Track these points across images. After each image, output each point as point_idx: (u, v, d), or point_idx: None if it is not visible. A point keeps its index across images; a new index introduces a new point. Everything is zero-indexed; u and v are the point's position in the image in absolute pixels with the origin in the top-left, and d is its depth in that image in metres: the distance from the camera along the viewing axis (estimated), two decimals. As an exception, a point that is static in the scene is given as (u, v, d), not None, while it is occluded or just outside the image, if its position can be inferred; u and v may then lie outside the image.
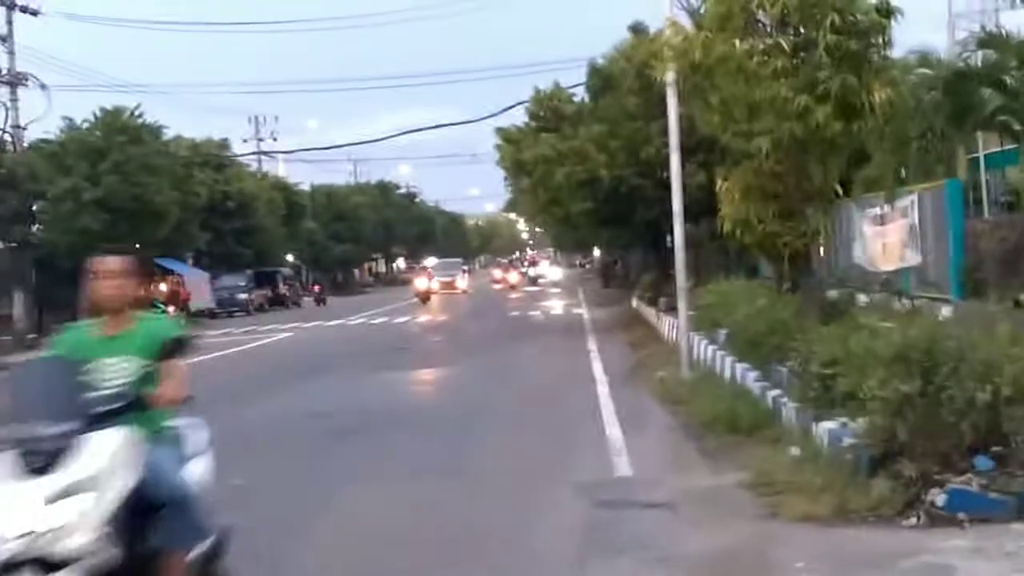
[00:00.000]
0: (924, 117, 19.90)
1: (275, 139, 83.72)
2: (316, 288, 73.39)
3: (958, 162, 20.66)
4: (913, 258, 19.57)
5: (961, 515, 7.93)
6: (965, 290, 17.32)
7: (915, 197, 19.52)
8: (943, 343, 8.93)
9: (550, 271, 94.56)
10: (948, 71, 20.56)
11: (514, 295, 64.47)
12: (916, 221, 19.41)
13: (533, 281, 78.30)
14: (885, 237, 21.04)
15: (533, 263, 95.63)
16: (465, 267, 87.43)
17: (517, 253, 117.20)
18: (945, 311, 16.57)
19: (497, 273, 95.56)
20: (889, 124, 15.48)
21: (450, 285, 69.42)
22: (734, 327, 16.14)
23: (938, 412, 8.46)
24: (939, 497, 8.04)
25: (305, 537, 9.22)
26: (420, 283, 64.00)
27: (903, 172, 21.10)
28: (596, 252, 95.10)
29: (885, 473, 8.49)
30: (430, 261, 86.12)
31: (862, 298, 18.64)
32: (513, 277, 79.85)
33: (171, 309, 49.18)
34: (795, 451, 10.24)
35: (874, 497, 8.32)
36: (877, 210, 21.39)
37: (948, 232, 18.05)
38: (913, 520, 8.03)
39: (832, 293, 18.39)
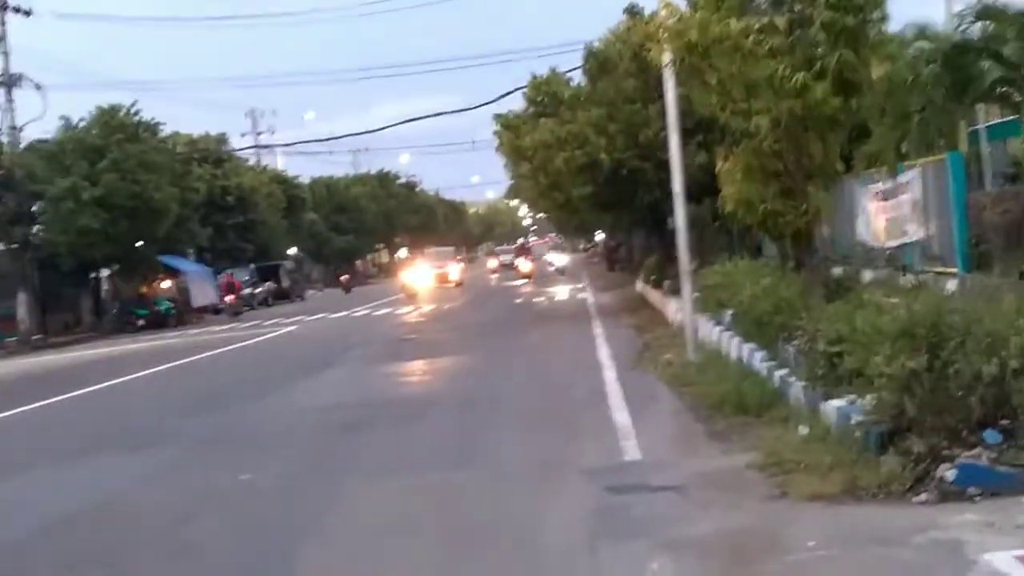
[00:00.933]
0: (923, 91, 19.81)
1: (273, 132, 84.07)
2: (344, 277, 73.79)
3: (959, 135, 20.58)
4: (917, 233, 19.52)
5: (971, 489, 7.90)
6: (970, 263, 17.28)
7: (917, 171, 19.47)
8: (949, 317, 8.89)
9: (556, 258, 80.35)
10: (946, 44, 20.44)
11: (518, 283, 58.86)
12: (919, 195, 19.36)
13: (527, 277, 62.24)
14: (888, 212, 20.99)
15: (524, 251, 76.69)
16: (459, 256, 79.39)
17: (521, 239, 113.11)
18: (950, 285, 16.54)
19: (493, 262, 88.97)
20: (888, 99, 15.46)
21: (442, 277, 63.83)
22: (739, 307, 16.10)
23: (946, 387, 8.43)
24: (949, 472, 8.01)
25: (317, 529, 9.20)
26: (407, 276, 58.76)
27: (904, 147, 21.02)
28: (599, 236, 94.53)
29: (894, 449, 8.47)
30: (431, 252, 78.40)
31: (867, 274, 18.62)
32: (525, 266, 65.93)
33: (230, 299, 50.70)
34: (803, 430, 10.21)
35: (884, 474, 8.30)
36: (879, 185, 21.35)
37: (951, 205, 18.00)
38: (923, 496, 8.00)
39: (837, 270, 18.37)
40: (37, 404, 20.83)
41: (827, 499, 8.28)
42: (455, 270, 67.41)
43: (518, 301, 43.45)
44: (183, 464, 13.26)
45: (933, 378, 8.46)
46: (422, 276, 59.00)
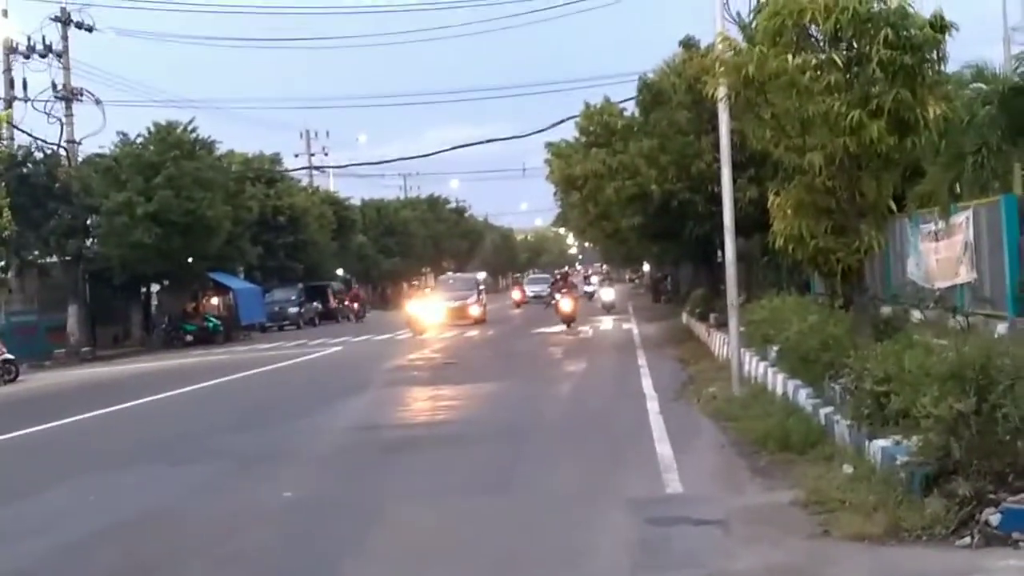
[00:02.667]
0: (979, 132, 19.71)
1: (326, 154, 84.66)
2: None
3: (1014, 177, 20.44)
4: (968, 274, 19.39)
5: (1016, 535, 7.83)
6: (1020, 307, 17.15)
7: (970, 213, 19.35)
8: (998, 361, 8.84)
9: (604, 291, 59.61)
10: (1004, 85, 20.37)
11: (552, 330, 41.27)
12: (971, 237, 19.24)
13: (567, 320, 41.60)
14: (939, 253, 20.87)
15: (566, 283, 46.61)
16: (481, 286, 60.89)
17: (567, 268, 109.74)
18: (1000, 328, 16.41)
19: (516, 294, 75.76)
20: (943, 139, 15.37)
21: (459, 312, 51.57)
22: (786, 343, 16.04)
23: (993, 430, 8.38)
24: (993, 516, 7.95)
25: (355, 552, 9.25)
26: (413, 308, 47.32)
27: (958, 187, 20.91)
28: (645, 267, 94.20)
29: (939, 492, 8.41)
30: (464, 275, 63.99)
31: (916, 315, 18.49)
32: (566, 304, 42.17)
33: (355, 306, 53.07)
34: (848, 469, 10.17)
35: (928, 516, 8.25)
36: (931, 226, 21.23)
37: (1004, 248, 17.89)
38: (967, 539, 7.94)
39: (886, 310, 18.24)
40: (84, 416, 21.03)
41: (870, 539, 8.24)
42: (476, 305, 53.43)
43: (560, 328, 43.25)
44: (227, 479, 13.35)
45: (981, 421, 8.41)
46: (434, 310, 48.54)
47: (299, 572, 8.86)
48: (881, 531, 8.31)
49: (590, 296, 62.64)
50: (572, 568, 8.38)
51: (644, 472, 11.94)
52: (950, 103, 14.19)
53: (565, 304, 42.04)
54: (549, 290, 57.45)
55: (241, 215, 52.83)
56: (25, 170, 44.28)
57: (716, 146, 20.44)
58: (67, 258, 45.65)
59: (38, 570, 9.43)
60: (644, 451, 13.24)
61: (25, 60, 45.03)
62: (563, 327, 40.96)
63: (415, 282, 65.11)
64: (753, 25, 15.04)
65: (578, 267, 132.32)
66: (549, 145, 38.63)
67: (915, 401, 9.11)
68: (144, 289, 52.35)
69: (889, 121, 13.14)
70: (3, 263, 44.46)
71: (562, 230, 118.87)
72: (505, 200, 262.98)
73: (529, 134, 45.04)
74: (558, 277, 51.55)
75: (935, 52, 13.53)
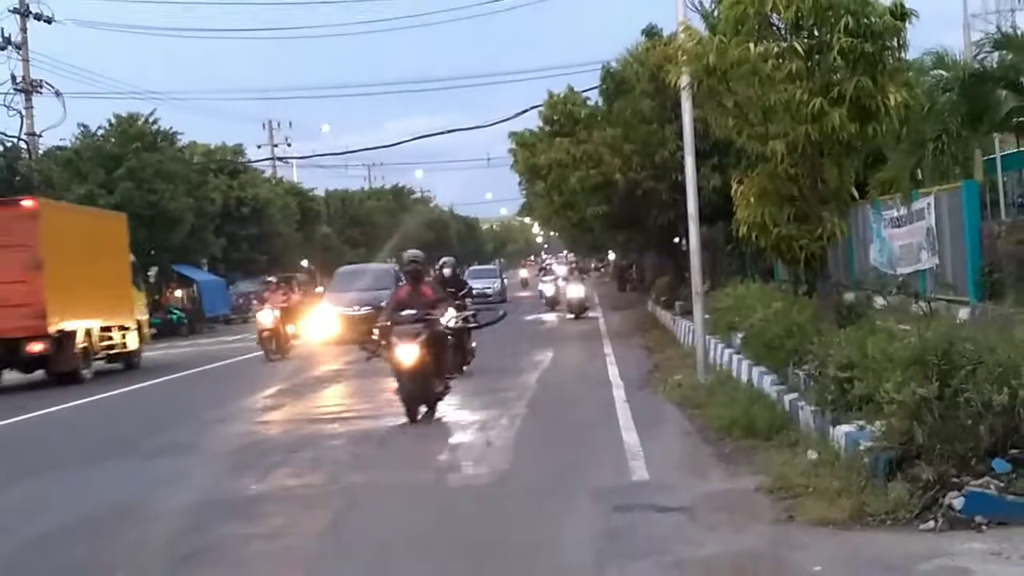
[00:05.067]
0: (940, 119, 19.87)
1: (289, 145, 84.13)
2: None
3: (974, 163, 20.63)
4: (930, 260, 19.54)
5: (979, 518, 7.90)
6: (982, 292, 17.30)
7: (931, 199, 19.50)
8: (960, 346, 8.91)
9: (571, 288, 43.47)
10: (964, 72, 20.53)
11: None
12: (933, 223, 19.39)
13: (408, 395, 15.78)
14: (902, 239, 21.01)
15: (413, 289, 16.97)
16: (402, 282, 22.14)
17: (533, 257, 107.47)
18: (962, 313, 16.55)
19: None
20: (905, 126, 15.47)
21: (368, 324, 21.40)
22: (750, 331, 16.12)
23: (955, 415, 8.44)
24: (957, 500, 8.02)
25: (325, 543, 9.23)
26: (266, 319, 30.01)
27: (919, 174, 21.07)
28: (611, 255, 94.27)
29: (902, 476, 8.47)
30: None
31: (879, 301, 18.62)
32: (408, 352, 15.69)
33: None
34: (812, 455, 10.23)
35: (891, 500, 8.31)
36: (893, 212, 21.37)
37: (965, 234, 18.04)
38: (931, 523, 8.00)
39: (849, 296, 18.36)
40: (48, 409, 20.86)
41: (834, 524, 8.29)
42: None
43: (528, 318, 43.19)
44: (193, 473, 13.21)
45: (943, 406, 8.48)
46: (323, 320, 35.19)
47: (268, 565, 8.83)
48: (845, 516, 8.36)
49: (545, 298, 49.01)
50: (538, 557, 8.38)
51: (610, 460, 11.95)
52: (911, 90, 14.30)
53: (405, 352, 15.84)
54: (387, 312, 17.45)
55: (204, 207, 52.58)
56: (-15, 163, 43.86)
57: (679, 134, 20.50)
58: (29, 251, 45.22)
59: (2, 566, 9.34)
60: (611, 439, 13.26)
61: (-16, 53, 44.55)
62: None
63: (271, 277, 39.55)
64: (715, 14, 15.10)
65: (545, 255, 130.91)
66: (513, 135, 38.53)
67: (878, 387, 9.17)
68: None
69: (850, 108, 13.23)
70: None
71: (527, 219, 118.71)
72: (470, 190, 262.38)
73: (493, 123, 45.48)
74: (401, 283, 20.91)
75: (896, 40, 13.63)
